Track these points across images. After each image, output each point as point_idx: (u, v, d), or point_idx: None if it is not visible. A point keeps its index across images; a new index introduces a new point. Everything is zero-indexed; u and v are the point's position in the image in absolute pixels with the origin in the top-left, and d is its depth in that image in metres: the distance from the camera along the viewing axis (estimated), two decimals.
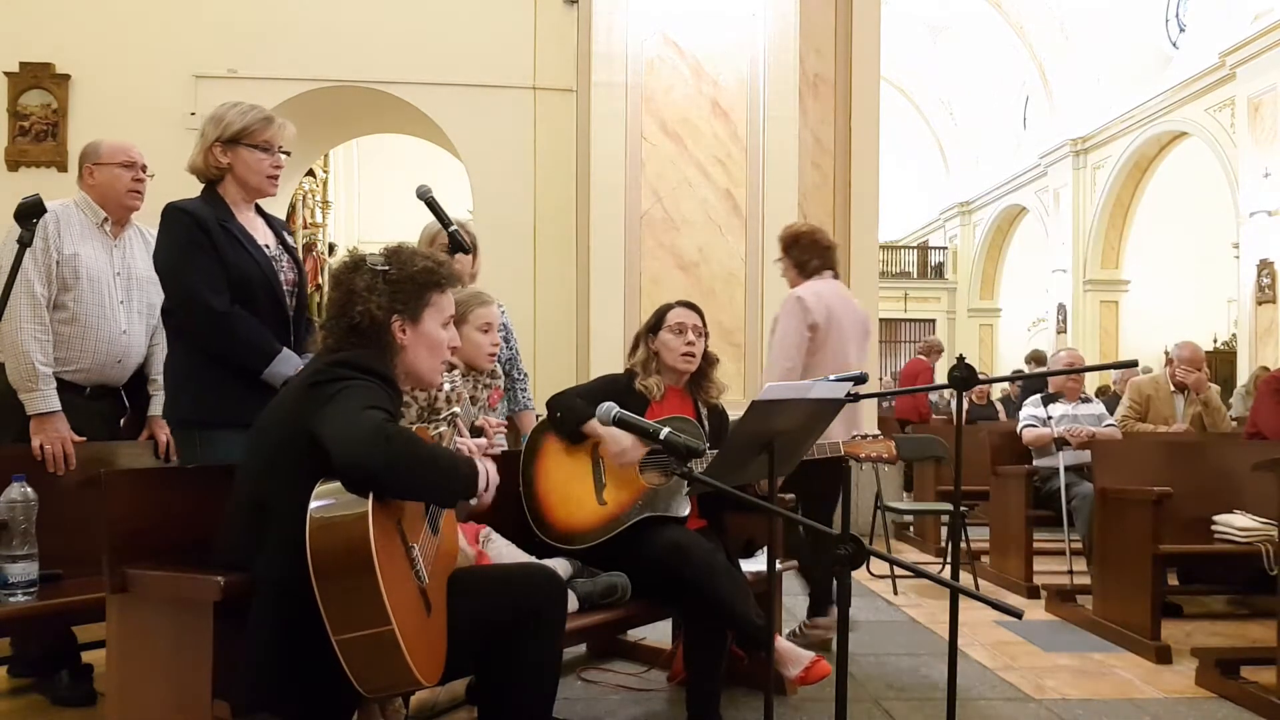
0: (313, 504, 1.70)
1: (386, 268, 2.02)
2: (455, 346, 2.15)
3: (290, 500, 1.74)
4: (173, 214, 2.46)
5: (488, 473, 2.02)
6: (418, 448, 1.80)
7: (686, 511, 2.84)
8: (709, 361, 3.11)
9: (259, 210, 2.67)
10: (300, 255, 2.68)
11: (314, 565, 1.66)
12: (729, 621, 2.67)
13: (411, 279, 2.03)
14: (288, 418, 1.89)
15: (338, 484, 1.73)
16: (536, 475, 2.89)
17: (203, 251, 2.42)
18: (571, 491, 2.85)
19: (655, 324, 3.08)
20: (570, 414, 2.88)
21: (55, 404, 2.86)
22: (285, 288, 2.57)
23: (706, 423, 3.05)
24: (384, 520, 1.73)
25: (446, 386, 2.50)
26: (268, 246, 2.58)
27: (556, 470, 2.89)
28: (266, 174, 2.56)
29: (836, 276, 3.90)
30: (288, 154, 2.62)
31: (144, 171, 3.10)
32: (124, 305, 3.06)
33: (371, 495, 1.70)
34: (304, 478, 1.75)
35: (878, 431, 3.34)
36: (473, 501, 2.02)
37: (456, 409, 2.37)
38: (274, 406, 1.98)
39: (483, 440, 2.38)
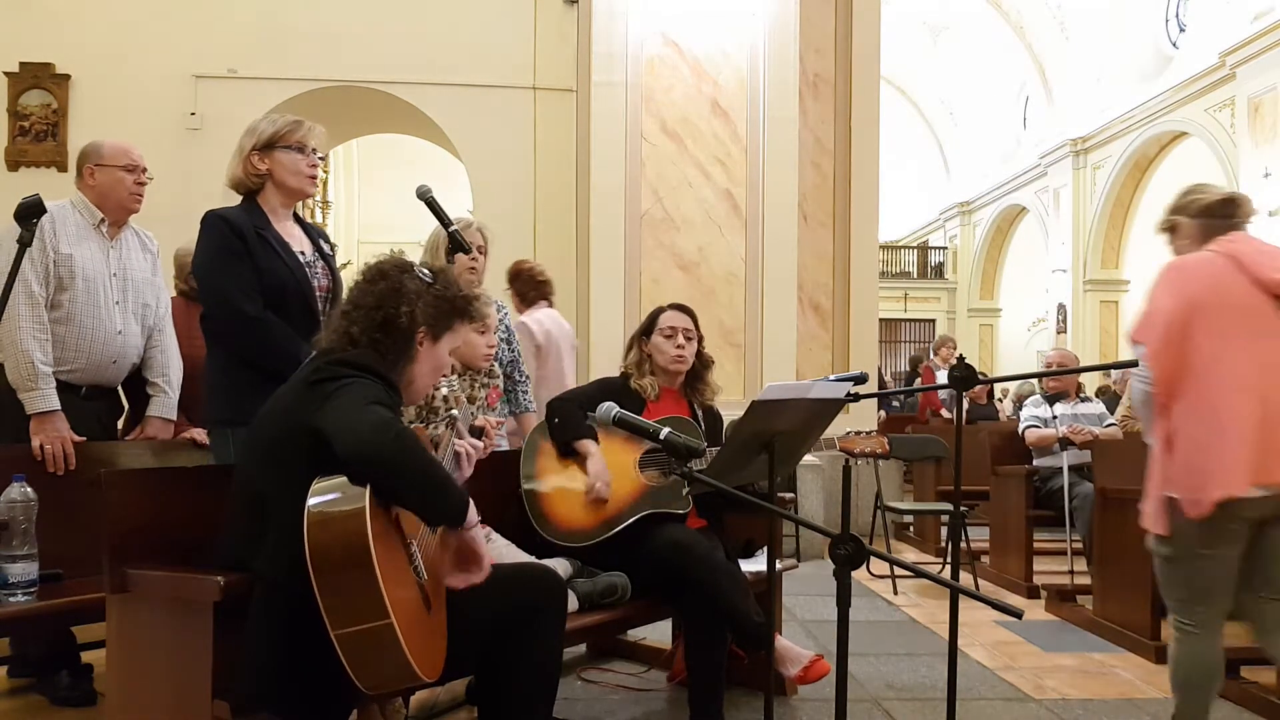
0: (310, 500, 1.71)
1: (432, 281, 2.07)
2: (445, 374, 2.20)
3: (289, 498, 1.74)
4: (211, 221, 2.52)
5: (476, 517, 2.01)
6: (423, 451, 1.82)
7: (688, 508, 2.86)
8: (704, 363, 3.14)
9: (297, 219, 2.71)
10: (336, 262, 2.71)
11: (312, 561, 1.66)
12: (729, 620, 2.68)
13: (451, 301, 2.10)
14: (287, 416, 1.89)
15: (335, 480, 1.74)
16: (538, 474, 2.90)
17: (237, 258, 2.46)
18: (573, 490, 2.86)
19: (648, 327, 3.12)
20: (565, 427, 2.90)
21: (55, 403, 2.86)
22: (318, 294, 2.60)
23: (702, 423, 3.07)
24: (381, 516, 1.73)
25: (444, 390, 2.51)
26: (303, 253, 2.61)
27: (558, 469, 2.90)
28: (304, 173, 2.62)
29: (551, 304, 4.65)
30: (322, 157, 2.66)
31: (144, 174, 3.10)
32: (119, 306, 3.06)
33: (369, 491, 1.71)
34: (303, 475, 1.75)
35: (872, 428, 3.42)
36: (464, 533, 1.99)
37: (455, 411, 2.38)
38: (272, 405, 1.98)
39: (479, 443, 2.38)
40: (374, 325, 2.00)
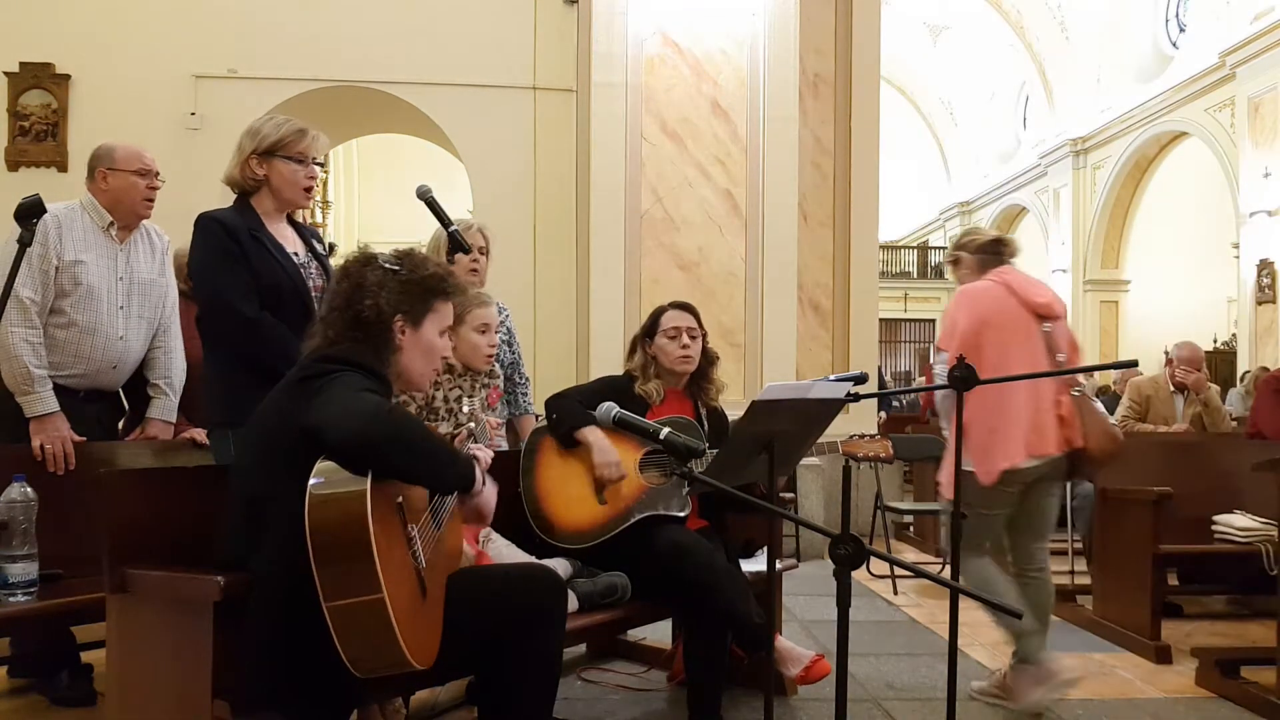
0: (311, 481, 1.71)
1: (397, 268, 2.05)
2: (447, 357, 2.18)
3: (285, 496, 1.74)
4: (205, 224, 2.52)
5: (486, 478, 2.04)
6: (416, 425, 1.84)
7: (687, 511, 2.85)
8: (709, 360, 3.11)
9: (290, 219, 2.70)
10: (330, 262, 2.70)
11: (311, 540, 1.67)
12: (729, 621, 2.67)
13: (421, 283, 2.06)
14: (279, 416, 1.89)
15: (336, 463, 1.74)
16: (537, 475, 2.89)
17: (234, 260, 2.47)
18: (572, 491, 2.85)
19: (650, 328, 3.08)
20: (565, 418, 2.87)
21: (53, 405, 2.85)
22: (314, 294, 2.59)
23: (706, 423, 3.05)
24: (383, 499, 1.74)
25: (466, 409, 2.52)
26: (296, 255, 2.61)
27: (557, 470, 2.89)
28: (301, 185, 2.61)
29: None
30: (321, 165, 2.65)
31: (157, 179, 3.08)
32: (123, 310, 3.05)
33: (370, 473, 1.71)
34: (297, 474, 1.74)
35: (875, 432, 3.41)
36: (473, 499, 2.03)
37: (472, 424, 2.40)
38: (265, 405, 1.98)
39: (489, 451, 2.39)
40: (347, 324, 2.00)
